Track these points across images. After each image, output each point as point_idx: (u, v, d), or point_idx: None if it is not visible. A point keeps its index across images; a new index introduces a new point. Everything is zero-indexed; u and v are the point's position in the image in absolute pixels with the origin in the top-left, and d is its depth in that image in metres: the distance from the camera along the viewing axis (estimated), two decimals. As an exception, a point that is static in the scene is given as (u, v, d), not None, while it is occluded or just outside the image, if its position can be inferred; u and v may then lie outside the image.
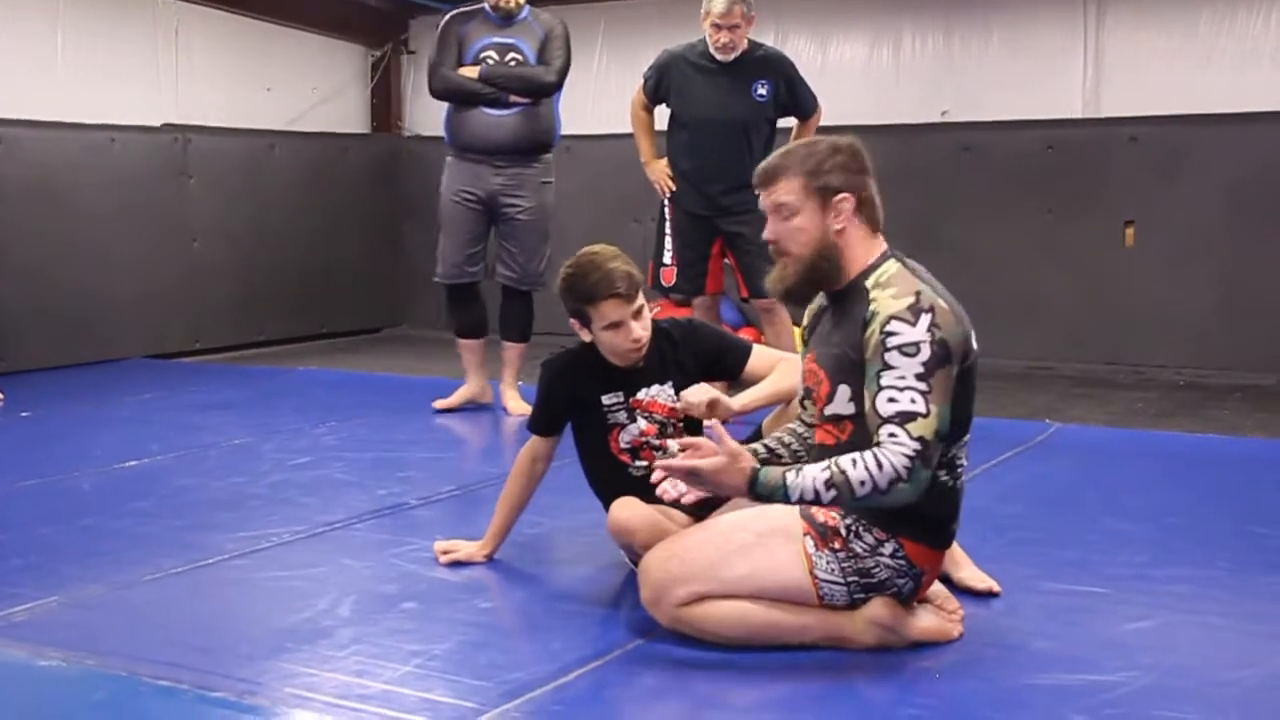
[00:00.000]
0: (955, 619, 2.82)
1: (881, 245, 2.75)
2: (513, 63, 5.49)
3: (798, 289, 2.78)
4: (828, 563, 2.68)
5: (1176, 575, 3.25)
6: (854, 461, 2.51)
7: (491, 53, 5.50)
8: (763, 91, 5.37)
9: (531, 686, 2.55)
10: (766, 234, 2.78)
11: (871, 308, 2.61)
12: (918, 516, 2.66)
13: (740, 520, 2.77)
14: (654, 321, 3.26)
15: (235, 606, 3.13)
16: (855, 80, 7.49)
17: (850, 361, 2.64)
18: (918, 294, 2.60)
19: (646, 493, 3.09)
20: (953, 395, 2.58)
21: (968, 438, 2.72)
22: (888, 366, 2.55)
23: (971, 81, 7.33)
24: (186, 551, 3.48)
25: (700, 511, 3.04)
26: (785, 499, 2.56)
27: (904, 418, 2.52)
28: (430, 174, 6.19)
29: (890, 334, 2.56)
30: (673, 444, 2.75)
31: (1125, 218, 6.88)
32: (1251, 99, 6.65)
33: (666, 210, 5.58)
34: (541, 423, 3.31)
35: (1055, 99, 7.13)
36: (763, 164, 2.79)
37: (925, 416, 2.52)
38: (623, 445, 3.27)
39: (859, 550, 2.67)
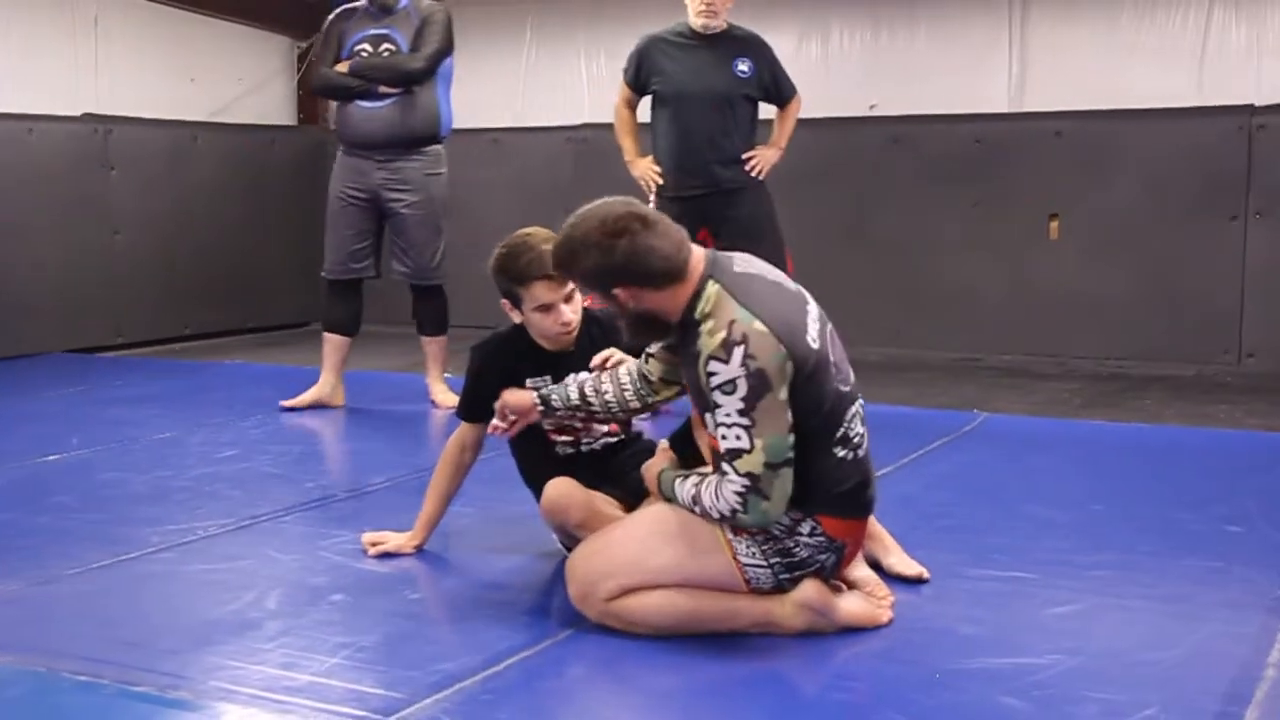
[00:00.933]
0: (884, 605, 2.84)
1: (696, 274, 2.68)
2: (386, 53, 5.38)
3: (641, 343, 2.89)
4: (748, 547, 2.69)
5: (1100, 560, 3.29)
6: (709, 487, 2.64)
7: (365, 45, 5.41)
8: (744, 68, 5.27)
9: (461, 677, 2.53)
10: None
11: (698, 344, 2.62)
12: (828, 492, 2.69)
13: (663, 511, 2.78)
14: (584, 308, 3.25)
15: (160, 600, 3.07)
16: (785, 73, 7.51)
17: (702, 393, 2.66)
18: (730, 324, 2.58)
19: (576, 472, 3.12)
20: (803, 398, 2.60)
21: (855, 408, 2.74)
22: (716, 404, 2.59)
23: (899, 75, 7.39)
24: (109, 546, 3.42)
25: (631, 499, 3.05)
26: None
27: (732, 455, 2.59)
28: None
29: (711, 374, 2.58)
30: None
31: (1050, 211, 6.97)
32: (1172, 95, 6.77)
33: (651, 202, 5.45)
34: (471, 408, 3.29)
35: (981, 93, 7.20)
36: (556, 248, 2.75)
37: (750, 452, 2.57)
38: (548, 425, 3.26)
39: (776, 532, 2.68)
